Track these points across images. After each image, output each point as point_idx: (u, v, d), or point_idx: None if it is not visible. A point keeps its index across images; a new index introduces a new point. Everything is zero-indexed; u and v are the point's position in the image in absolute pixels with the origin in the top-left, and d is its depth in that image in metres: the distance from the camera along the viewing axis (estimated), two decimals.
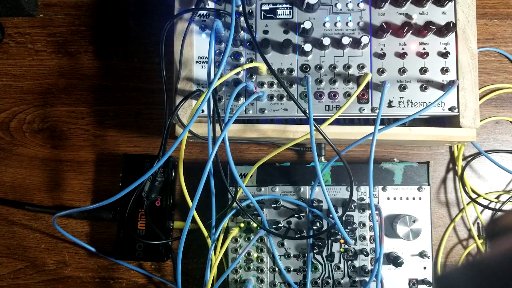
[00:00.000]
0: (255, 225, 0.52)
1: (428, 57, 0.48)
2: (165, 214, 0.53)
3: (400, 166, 0.53)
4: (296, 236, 0.51)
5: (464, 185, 0.57)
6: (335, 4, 0.49)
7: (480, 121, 0.51)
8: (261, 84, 0.49)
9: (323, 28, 0.49)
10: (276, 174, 0.53)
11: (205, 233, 0.51)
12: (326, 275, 0.52)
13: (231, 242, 0.52)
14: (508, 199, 0.57)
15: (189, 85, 0.49)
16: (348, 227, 0.51)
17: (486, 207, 0.56)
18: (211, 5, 0.49)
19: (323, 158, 0.54)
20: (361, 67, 0.48)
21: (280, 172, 0.53)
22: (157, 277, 0.56)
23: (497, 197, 0.58)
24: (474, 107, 0.48)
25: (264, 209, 0.53)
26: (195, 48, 0.50)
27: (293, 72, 0.49)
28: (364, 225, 0.52)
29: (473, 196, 0.57)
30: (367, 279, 0.52)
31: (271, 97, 0.49)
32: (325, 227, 0.52)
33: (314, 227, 0.51)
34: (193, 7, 0.49)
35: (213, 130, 0.48)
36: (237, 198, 0.51)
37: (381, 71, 0.48)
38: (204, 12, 0.49)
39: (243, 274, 0.53)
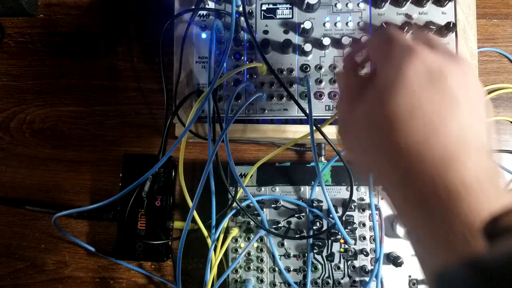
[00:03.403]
0: (255, 225, 0.52)
1: None
2: (165, 214, 0.53)
3: None
4: (296, 236, 0.51)
5: None
6: (335, 4, 0.49)
7: None
8: (261, 84, 0.49)
9: (323, 28, 0.49)
10: (276, 174, 0.53)
11: (205, 233, 0.51)
12: (326, 275, 0.52)
13: (231, 242, 0.52)
14: None
15: (189, 85, 0.50)
16: (348, 227, 0.51)
17: None
18: (211, 5, 0.49)
19: (323, 158, 0.54)
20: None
21: (280, 172, 0.53)
22: (157, 277, 0.56)
23: None
24: None
25: (264, 209, 0.53)
26: (195, 48, 0.50)
27: (293, 72, 0.49)
28: (364, 225, 0.52)
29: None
30: (367, 279, 0.52)
31: (271, 97, 0.49)
32: (325, 227, 0.52)
33: (314, 227, 0.51)
34: (193, 7, 0.49)
35: (213, 130, 0.48)
36: (237, 198, 0.51)
37: None
38: (204, 12, 0.49)
39: (243, 274, 0.53)
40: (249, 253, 0.53)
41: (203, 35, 0.50)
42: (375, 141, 0.28)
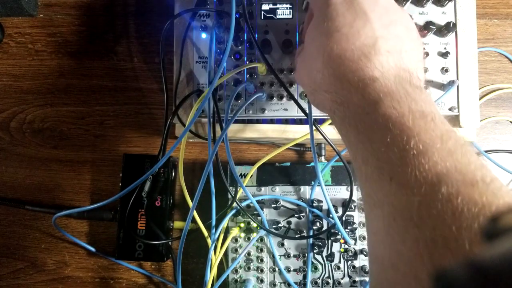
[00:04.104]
0: (255, 225, 0.52)
1: (428, 57, 0.48)
2: (165, 214, 0.53)
3: None
4: (296, 236, 0.51)
5: None
6: None
7: (480, 121, 0.51)
8: (261, 84, 0.49)
9: None
10: (276, 174, 0.53)
11: (205, 233, 0.51)
12: (326, 275, 0.52)
13: (231, 242, 0.52)
14: None
15: (189, 85, 0.50)
16: (348, 227, 0.51)
17: None
18: (211, 5, 0.49)
19: (323, 158, 0.54)
20: None
21: (280, 172, 0.53)
22: (157, 277, 0.56)
23: None
24: (474, 107, 0.48)
25: (264, 209, 0.53)
26: (195, 48, 0.50)
27: (293, 72, 0.49)
28: (364, 225, 0.52)
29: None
30: (367, 279, 0.52)
31: (271, 97, 0.49)
32: (325, 227, 0.52)
33: (314, 227, 0.51)
34: (193, 7, 0.49)
35: (213, 130, 0.48)
36: (237, 198, 0.51)
37: None
38: (204, 12, 0.49)
39: (243, 274, 0.53)
40: (249, 253, 0.53)
41: (203, 35, 0.50)
42: (314, 74, 0.33)
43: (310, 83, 0.35)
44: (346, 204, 0.51)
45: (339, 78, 0.31)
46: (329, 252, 0.52)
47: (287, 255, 0.52)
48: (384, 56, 0.30)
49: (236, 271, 0.52)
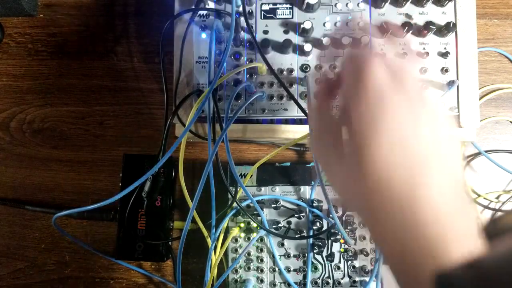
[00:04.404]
0: (255, 225, 0.52)
1: (428, 57, 0.48)
2: (165, 214, 0.53)
3: None
4: (296, 236, 0.51)
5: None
6: (335, 4, 0.49)
7: (480, 121, 0.51)
8: (261, 84, 0.49)
9: (323, 28, 0.49)
10: (276, 174, 0.53)
11: (205, 233, 0.51)
12: (326, 275, 0.52)
13: (231, 242, 0.52)
14: (508, 199, 0.57)
15: (189, 85, 0.50)
16: (348, 227, 0.51)
17: (486, 207, 0.56)
18: (211, 5, 0.49)
19: None
20: None
21: (280, 172, 0.53)
22: (157, 277, 0.56)
23: (497, 197, 0.57)
24: (474, 107, 0.48)
25: (264, 209, 0.53)
26: (195, 48, 0.50)
27: (293, 72, 0.49)
28: (364, 225, 0.52)
29: (473, 196, 0.57)
30: (367, 279, 0.52)
31: (271, 97, 0.49)
32: (325, 227, 0.52)
33: (314, 227, 0.51)
34: (193, 7, 0.49)
35: (213, 130, 0.48)
36: (237, 198, 0.51)
37: None
38: (204, 12, 0.49)
39: (243, 274, 0.53)
40: (249, 253, 0.53)
41: (203, 35, 0.50)
42: (351, 183, 0.29)
43: (343, 192, 0.31)
44: None
45: (388, 202, 0.26)
46: (329, 252, 0.52)
47: (287, 255, 0.52)
48: (440, 174, 0.26)
49: (236, 271, 0.52)
